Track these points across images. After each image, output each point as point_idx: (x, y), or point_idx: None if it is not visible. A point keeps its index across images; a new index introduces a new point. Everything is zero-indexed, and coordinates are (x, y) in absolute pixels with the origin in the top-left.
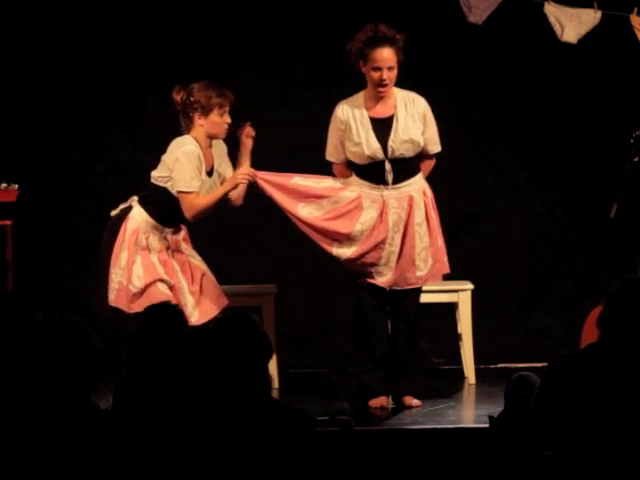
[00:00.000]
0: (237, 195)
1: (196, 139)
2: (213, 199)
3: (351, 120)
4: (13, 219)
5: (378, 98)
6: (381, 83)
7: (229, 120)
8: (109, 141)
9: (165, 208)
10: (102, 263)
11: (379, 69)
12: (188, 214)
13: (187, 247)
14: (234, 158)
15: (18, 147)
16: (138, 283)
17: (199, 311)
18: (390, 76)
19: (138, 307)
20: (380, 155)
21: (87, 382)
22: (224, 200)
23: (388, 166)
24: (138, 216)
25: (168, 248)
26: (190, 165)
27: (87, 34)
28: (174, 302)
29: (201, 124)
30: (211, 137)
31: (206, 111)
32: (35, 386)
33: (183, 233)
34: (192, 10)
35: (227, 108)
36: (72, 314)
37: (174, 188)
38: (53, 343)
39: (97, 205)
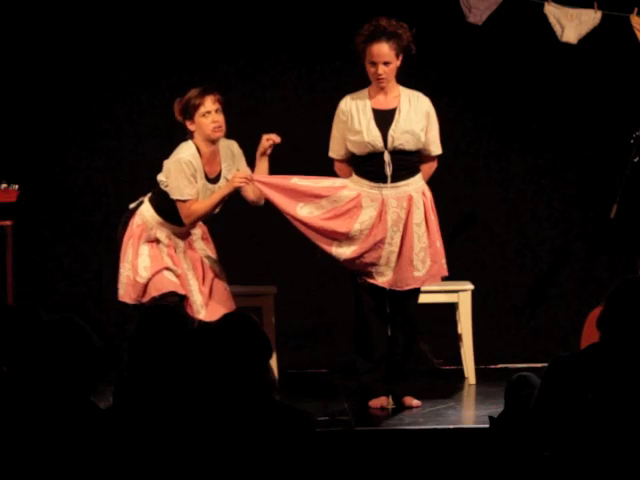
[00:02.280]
0: (257, 196)
1: (197, 145)
2: (210, 204)
3: (353, 110)
4: (13, 219)
5: (382, 91)
6: (377, 78)
7: (216, 119)
8: (109, 141)
9: (170, 208)
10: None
11: (374, 64)
12: (186, 221)
13: (204, 247)
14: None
15: (18, 147)
16: (145, 274)
17: (206, 310)
18: (386, 71)
19: (147, 297)
20: (380, 143)
21: (87, 382)
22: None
23: (387, 157)
24: (146, 212)
25: (177, 245)
26: (181, 174)
27: (87, 33)
28: (181, 291)
29: (193, 129)
30: (208, 140)
31: (190, 114)
32: (35, 386)
33: (201, 232)
34: (192, 10)
35: (208, 107)
36: (72, 314)
37: (171, 195)
38: (53, 343)
39: (97, 205)
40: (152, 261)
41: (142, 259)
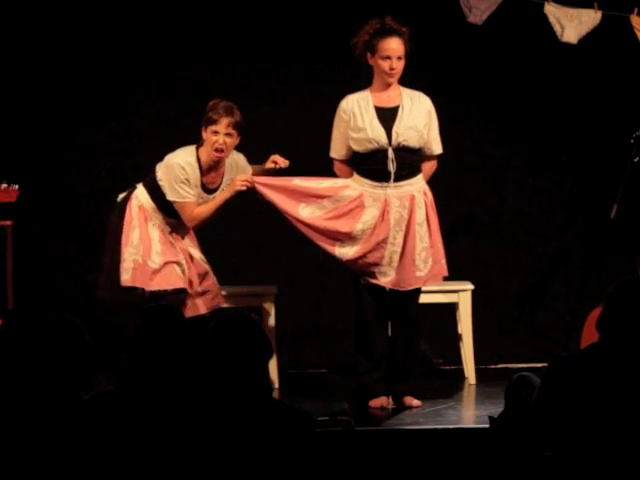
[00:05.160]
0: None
1: (200, 154)
2: (213, 208)
3: (356, 108)
4: (13, 219)
5: (384, 90)
6: (390, 72)
7: (222, 141)
8: (109, 141)
9: (161, 198)
10: (111, 247)
11: (389, 58)
12: (190, 224)
13: (190, 243)
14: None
15: (18, 147)
16: (158, 259)
17: (191, 303)
18: (399, 66)
19: (156, 285)
20: (384, 140)
21: (77, 379)
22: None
23: (391, 154)
24: (141, 196)
25: (169, 234)
26: (175, 178)
27: (86, 33)
28: (189, 290)
29: (203, 137)
30: (208, 156)
31: (205, 125)
32: (24, 382)
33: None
34: (193, 11)
35: (219, 128)
36: (71, 314)
37: (167, 196)
38: (47, 341)
39: (97, 205)
40: (164, 249)
41: (154, 243)
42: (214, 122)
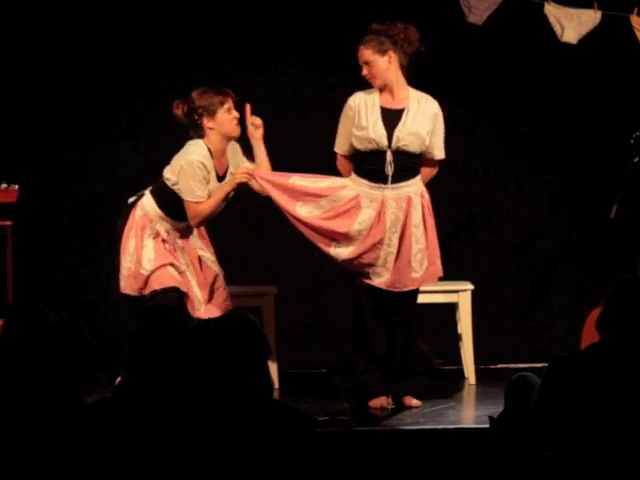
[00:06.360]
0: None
1: (209, 145)
2: (215, 203)
3: (362, 106)
4: (13, 219)
5: (389, 91)
6: (365, 78)
7: (237, 114)
8: (109, 141)
9: (171, 204)
10: (116, 250)
11: (361, 67)
12: (193, 222)
13: (201, 245)
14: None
15: (18, 147)
16: (149, 266)
17: (205, 308)
18: (369, 71)
19: (148, 289)
20: (384, 142)
21: (79, 379)
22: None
23: (390, 157)
24: (147, 204)
25: (176, 241)
26: (194, 177)
27: (86, 33)
28: (183, 288)
29: (211, 127)
30: (226, 137)
31: (212, 112)
32: (26, 382)
33: (196, 230)
34: (193, 10)
35: (230, 104)
36: (72, 314)
37: (181, 195)
38: (49, 341)
39: (97, 205)
40: (157, 255)
41: (146, 251)
42: (223, 103)
